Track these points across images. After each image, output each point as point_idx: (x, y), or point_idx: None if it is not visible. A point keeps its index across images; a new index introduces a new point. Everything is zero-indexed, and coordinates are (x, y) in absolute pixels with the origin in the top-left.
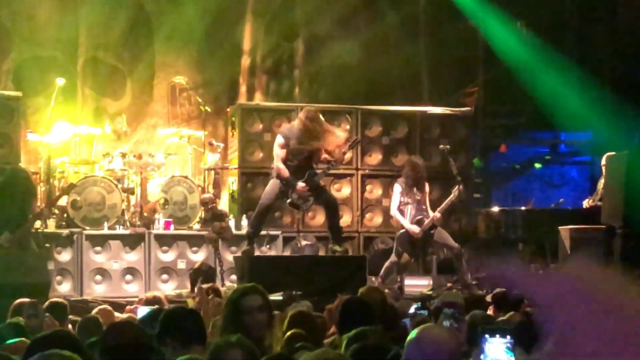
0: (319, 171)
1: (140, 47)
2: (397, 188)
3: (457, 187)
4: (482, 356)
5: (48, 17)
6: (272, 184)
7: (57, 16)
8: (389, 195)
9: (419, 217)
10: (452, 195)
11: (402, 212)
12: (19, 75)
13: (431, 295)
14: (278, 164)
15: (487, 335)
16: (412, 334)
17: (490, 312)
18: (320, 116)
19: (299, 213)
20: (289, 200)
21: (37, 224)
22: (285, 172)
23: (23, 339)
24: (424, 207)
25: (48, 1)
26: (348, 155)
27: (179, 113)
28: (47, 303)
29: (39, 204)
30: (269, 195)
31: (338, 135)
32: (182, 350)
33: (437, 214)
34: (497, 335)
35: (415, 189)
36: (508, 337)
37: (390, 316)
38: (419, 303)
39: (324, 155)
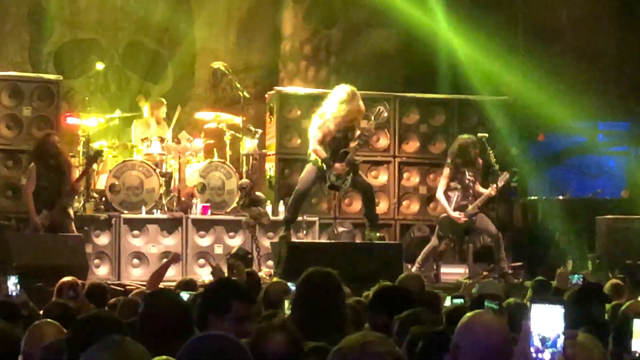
0: (351, 149)
1: (181, 32)
2: (446, 171)
3: (504, 173)
4: (530, 324)
5: (89, 0)
6: (308, 169)
7: (98, 0)
8: (426, 183)
9: (464, 203)
10: (504, 176)
11: (448, 197)
12: (59, 58)
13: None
14: (315, 146)
15: (535, 304)
16: (464, 319)
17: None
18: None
19: (335, 199)
20: (327, 184)
21: (76, 206)
22: (323, 153)
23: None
24: (470, 191)
25: None
26: (383, 143)
27: (220, 97)
28: (87, 285)
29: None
30: (305, 180)
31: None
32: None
33: (493, 191)
34: (547, 304)
35: (466, 170)
36: (558, 305)
37: (431, 303)
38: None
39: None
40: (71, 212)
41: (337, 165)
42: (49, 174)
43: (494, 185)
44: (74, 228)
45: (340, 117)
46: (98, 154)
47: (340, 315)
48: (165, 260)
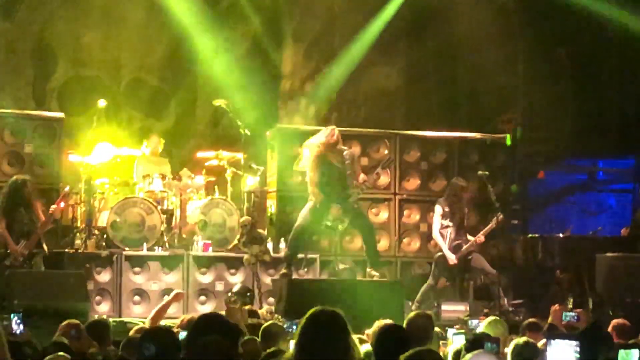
0: (352, 193)
1: (183, 70)
2: (438, 210)
3: (497, 214)
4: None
5: (92, 37)
6: (307, 207)
7: (101, 37)
8: (426, 220)
9: (458, 241)
10: (493, 222)
11: (442, 235)
12: (62, 94)
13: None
14: (312, 188)
15: (552, 340)
16: (466, 359)
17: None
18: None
19: (336, 236)
20: (323, 223)
21: (77, 243)
22: (319, 197)
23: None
24: (462, 231)
25: (92, 22)
26: (384, 180)
27: (221, 135)
28: (89, 322)
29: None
30: (303, 218)
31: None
32: None
33: (482, 237)
34: (563, 339)
35: (456, 211)
36: (573, 340)
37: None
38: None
39: (360, 177)
40: (45, 247)
41: (334, 208)
42: (18, 208)
43: (482, 233)
44: (42, 263)
45: (318, 150)
46: (68, 192)
47: (346, 358)
48: (166, 297)
